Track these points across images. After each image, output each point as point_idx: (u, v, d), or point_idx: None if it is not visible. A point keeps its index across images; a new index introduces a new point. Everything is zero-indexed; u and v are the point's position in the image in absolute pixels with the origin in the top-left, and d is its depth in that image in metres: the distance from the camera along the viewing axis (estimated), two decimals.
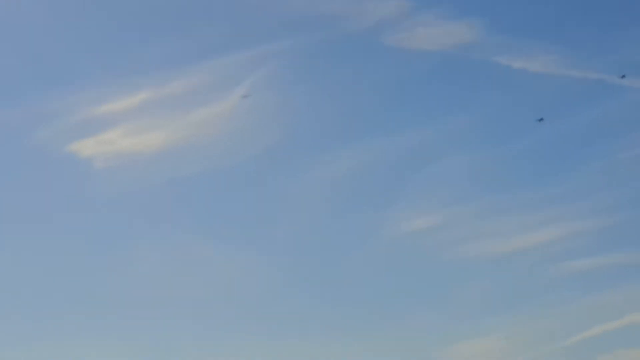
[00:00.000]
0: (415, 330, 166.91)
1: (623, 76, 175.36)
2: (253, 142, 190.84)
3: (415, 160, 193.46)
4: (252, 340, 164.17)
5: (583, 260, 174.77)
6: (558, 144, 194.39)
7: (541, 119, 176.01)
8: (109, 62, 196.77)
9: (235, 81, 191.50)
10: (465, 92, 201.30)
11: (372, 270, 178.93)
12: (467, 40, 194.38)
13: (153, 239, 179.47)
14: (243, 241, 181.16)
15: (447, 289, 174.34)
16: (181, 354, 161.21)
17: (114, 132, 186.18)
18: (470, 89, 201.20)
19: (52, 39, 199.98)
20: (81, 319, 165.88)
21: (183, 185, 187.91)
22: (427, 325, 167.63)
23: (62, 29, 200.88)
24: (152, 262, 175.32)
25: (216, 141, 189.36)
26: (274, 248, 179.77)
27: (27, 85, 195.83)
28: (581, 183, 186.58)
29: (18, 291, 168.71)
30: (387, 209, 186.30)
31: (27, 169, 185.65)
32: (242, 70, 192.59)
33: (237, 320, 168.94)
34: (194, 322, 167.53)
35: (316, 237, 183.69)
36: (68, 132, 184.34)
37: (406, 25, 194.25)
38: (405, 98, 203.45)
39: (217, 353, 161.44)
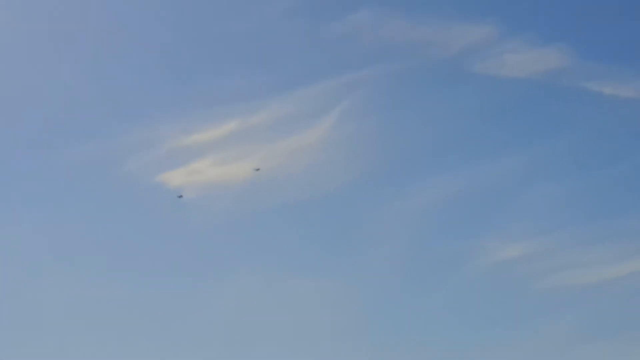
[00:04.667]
0: None
1: None
2: (342, 171, 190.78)
3: (504, 189, 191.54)
4: None
5: None
6: None
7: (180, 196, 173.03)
8: (197, 93, 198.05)
9: (323, 110, 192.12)
10: (555, 119, 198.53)
11: (461, 300, 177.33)
12: (557, 67, 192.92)
13: (241, 269, 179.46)
14: (332, 272, 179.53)
15: (537, 319, 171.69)
16: None
17: (203, 162, 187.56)
18: (560, 116, 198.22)
19: (140, 70, 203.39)
20: (164, 348, 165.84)
21: (272, 215, 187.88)
22: (518, 356, 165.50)
23: (150, 61, 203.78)
24: (240, 292, 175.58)
25: (305, 171, 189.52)
26: (363, 279, 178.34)
27: (116, 116, 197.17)
28: None
29: (99, 318, 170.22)
30: (477, 238, 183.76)
31: (117, 199, 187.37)
32: (330, 99, 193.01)
33: (324, 353, 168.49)
34: (279, 355, 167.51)
35: (406, 267, 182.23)
36: (157, 162, 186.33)
37: (494, 52, 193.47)
38: (494, 125, 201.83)
39: None
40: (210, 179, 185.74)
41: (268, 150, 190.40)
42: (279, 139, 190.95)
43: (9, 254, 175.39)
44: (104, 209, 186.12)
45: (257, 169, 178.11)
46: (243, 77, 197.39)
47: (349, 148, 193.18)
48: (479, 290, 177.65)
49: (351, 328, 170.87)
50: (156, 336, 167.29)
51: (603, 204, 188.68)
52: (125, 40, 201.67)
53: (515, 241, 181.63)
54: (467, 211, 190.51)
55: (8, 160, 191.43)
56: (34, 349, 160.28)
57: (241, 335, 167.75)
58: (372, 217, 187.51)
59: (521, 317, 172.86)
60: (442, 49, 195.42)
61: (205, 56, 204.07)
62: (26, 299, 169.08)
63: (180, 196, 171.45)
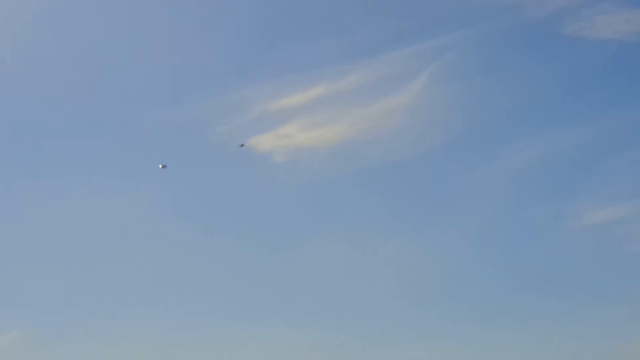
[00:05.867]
0: (600, 326, 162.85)
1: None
2: (432, 134, 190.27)
3: (598, 151, 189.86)
4: (430, 335, 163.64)
5: None
6: None
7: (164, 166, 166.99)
8: (286, 57, 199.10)
9: (412, 73, 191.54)
10: None
11: (555, 263, 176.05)
12: None
13: (330, 231, 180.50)
14: (423, 233, 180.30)
15: (630, 282, 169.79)
16: (354, 348, 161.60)
17: (292, 126, 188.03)
18: None
19: (230, 36, 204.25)
20: (261, 308, 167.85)
21: (361, 178, 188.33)
22: (613, 320, 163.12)
23: (240, 26, 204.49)
24: (331, 254, 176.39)
25: (394, 134, 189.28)
26: (455, 240, 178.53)
27: (207, 81, 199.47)
28: None
29: (187, 278, 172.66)
30: (570, 201, 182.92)
31: (207, 163, 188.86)
32: (419, 62, 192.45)
33: (410, 313, 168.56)
34: (371, 316, 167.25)
35: (498, 229, 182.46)
36: (247, 126, 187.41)
37: (585, 14, 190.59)
38: (587, 87, 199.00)
39: (390, 346, 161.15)
40: (299, 143, 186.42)
41: (356, 114, 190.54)
42: (367, 103, 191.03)
43: (103, 214, 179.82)
44: (194, 171, 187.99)
45: (242, 145, 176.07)
46: (332, 42, 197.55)
47: (438, 111, 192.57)
48: (570, 253, 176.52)
49: (438, 290, 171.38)
50: (242, 295, 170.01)
51: None
52: (214, 8, 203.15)
53: (607, 204, 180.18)
54: (558, 174, 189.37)
55: (103, 124, 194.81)
56: (120, 308, 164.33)
57: (326, 296, 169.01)
58: (462, 180, 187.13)
59: (612, 280, 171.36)
60: (533, 11, 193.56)
61: (294, 21, 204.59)
62: (118, 259, 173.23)
63: (242, 145, 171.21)
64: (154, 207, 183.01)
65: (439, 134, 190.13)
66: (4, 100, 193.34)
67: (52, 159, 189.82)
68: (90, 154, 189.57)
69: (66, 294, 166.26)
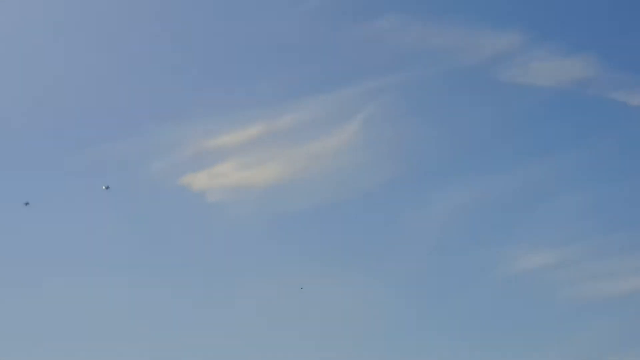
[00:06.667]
0: None
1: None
2: (366, 176, 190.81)
3: (529, 197, 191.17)
4: None
5: None
6: None
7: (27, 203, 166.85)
8: (222, 96, 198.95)
9: (348, 115, 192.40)
10: (580, 128, 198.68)
11: (485, 309, 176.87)
12: (582, 76, 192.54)
13: (263, 272, 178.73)
14: (355, 276, 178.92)
15: (562, 329, 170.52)
16: None
17: (227, 165, 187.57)
18: (585, 126, 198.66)
19: (167, 72, 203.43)
20: (185, 349, 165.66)
21: (296, 218, 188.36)
22: None
23: (176, 63, 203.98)
24: (264, 295, 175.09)
25: (329, 175, 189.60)
26: (386, 285, 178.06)
27: (141, 117, 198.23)
28: None
29: (118, 318, 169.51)
30: (501, 247, 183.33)
31: (140, 201, 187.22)
32: (355, 104, 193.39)
33: (345, 354, 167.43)
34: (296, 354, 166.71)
35: (428, 275, 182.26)
36: (181, 164, 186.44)
37: (520, 61, 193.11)
38: (519, 134, 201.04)
39: None
40: (233, 182, 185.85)
41: (291, 154, 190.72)
42: (303, 143, 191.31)
43: (31, 252, 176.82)
44: (128, 209, 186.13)
45: (107, 187, 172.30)
46: (268, 81, 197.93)
47: (373, 153, 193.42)
48: (501, 298, 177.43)
49: (370, 331, 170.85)
50: (177, 337, 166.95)
51: (628, 214, 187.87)
52: (151, 47, 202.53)
53: (539, 250, 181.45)
54: (490, 219, 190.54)
55: (33, 158, 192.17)
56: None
57: (260, 339, 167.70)
58: (395, 223, 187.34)
59: (544, 327, 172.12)
60: (468, 56, 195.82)
61: (231, 59, 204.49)
62: (43, 300, 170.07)
63: (107, 187, 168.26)
64: (84, 243, 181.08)
65: (374, 176, 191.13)
66: None
67: None
68: (20, 189, 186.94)
69: None
